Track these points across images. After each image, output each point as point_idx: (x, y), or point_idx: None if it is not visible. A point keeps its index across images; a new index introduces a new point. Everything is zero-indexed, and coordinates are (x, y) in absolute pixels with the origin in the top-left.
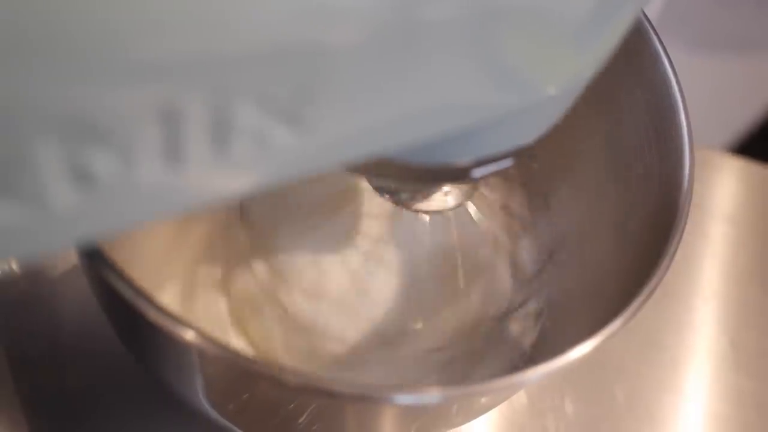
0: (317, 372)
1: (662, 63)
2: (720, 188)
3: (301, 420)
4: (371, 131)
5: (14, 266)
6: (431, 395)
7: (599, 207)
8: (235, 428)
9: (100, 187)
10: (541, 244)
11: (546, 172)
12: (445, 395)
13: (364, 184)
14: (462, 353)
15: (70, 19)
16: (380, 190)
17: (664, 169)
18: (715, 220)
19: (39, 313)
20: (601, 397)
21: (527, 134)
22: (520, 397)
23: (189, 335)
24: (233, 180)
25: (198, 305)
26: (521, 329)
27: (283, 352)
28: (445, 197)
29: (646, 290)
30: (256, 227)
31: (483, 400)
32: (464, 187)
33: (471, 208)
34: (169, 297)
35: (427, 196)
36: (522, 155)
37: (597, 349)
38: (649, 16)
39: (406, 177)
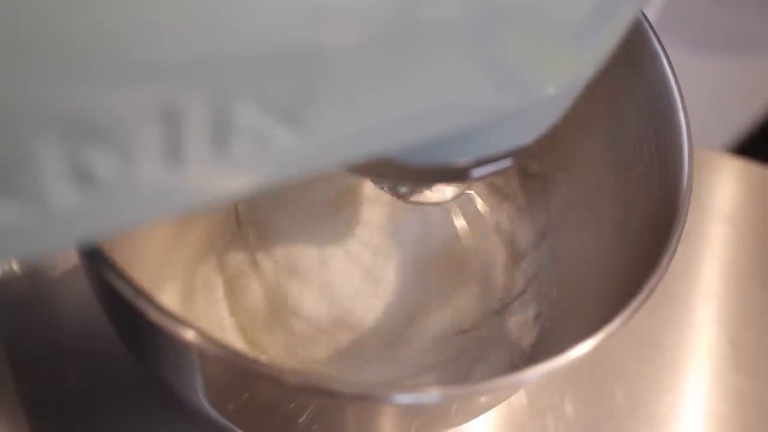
0: (322, 368)
1: (661, 63)
2: (720, 189)
3: (301, 420)
4: (371, 131)
5: (14, 266)
6: (431, 395)
7: (599, 206)
8: (235, 428)
9: (100, 186)
10: (538, 229)
11: (546, 172)
12: (445, 395)
13: (365, 182)
14: (462, 352)
15: (70, 20)
16: (379, 182)
17: (663, 169)
18: (715, 220)
19: (39, 313)
20: (601, 397)
21: (527, 134)
22: (519, 397)
23: (189, 335)
24: (233, 180)
25: (198, 305)
26: (521, 329)
27: (285, 351)
28: (444, 189)
29: (645, 290)
30: (257, 227)
31: (482, 399)
32: None
33: (471, 199)
34: (169, 297)
35: (426, 188)
36: (522, 155)
37: (597, 349)
38: (649, 17)
39: (405, 177)
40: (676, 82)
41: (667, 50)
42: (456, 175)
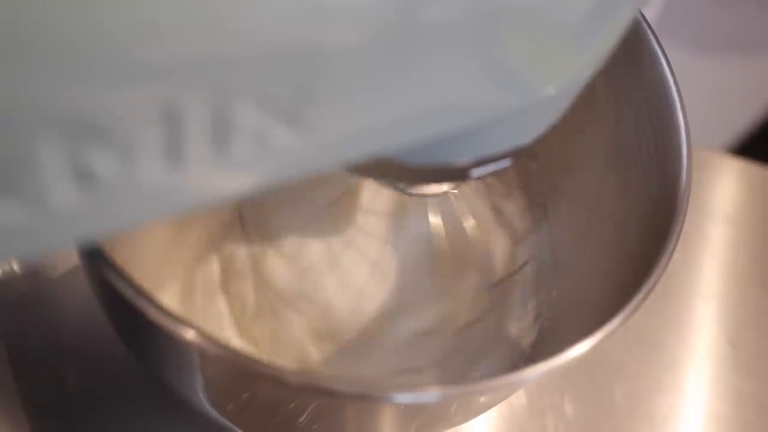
0: (324, 367)
1: (660, 63)
2: (720, 189)
3: (301, 419)
4: (371, 131)
5: (14, 266)
6: (431, 394)
7: (598, 206)
8: (235, 428)
9: (100, 186)
10: (537, 226)
11: (545, 172)
12: (445, 394)
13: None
14: (462, 351)
15: (70, 20)
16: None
17: (662, 169)
18: (715, 221)
19: (39, 313)
20: (601, 396)
21: (526, 134)
22: (519, 397)
23: (189, 335)
24: (233, 180)
25: (198, 305)
26: (520, 329)
27: (286, 349)
28: None
29: (644, 289)
30: (259, 226)
31: (482, 399)
32: None
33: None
34: (169, 297)
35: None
36: (521, 155)
37: (596, 349)
38: (648, 17)
39: (405, 177)
40: (675, 82)
41: (666, 50)
42: (455, 175)
